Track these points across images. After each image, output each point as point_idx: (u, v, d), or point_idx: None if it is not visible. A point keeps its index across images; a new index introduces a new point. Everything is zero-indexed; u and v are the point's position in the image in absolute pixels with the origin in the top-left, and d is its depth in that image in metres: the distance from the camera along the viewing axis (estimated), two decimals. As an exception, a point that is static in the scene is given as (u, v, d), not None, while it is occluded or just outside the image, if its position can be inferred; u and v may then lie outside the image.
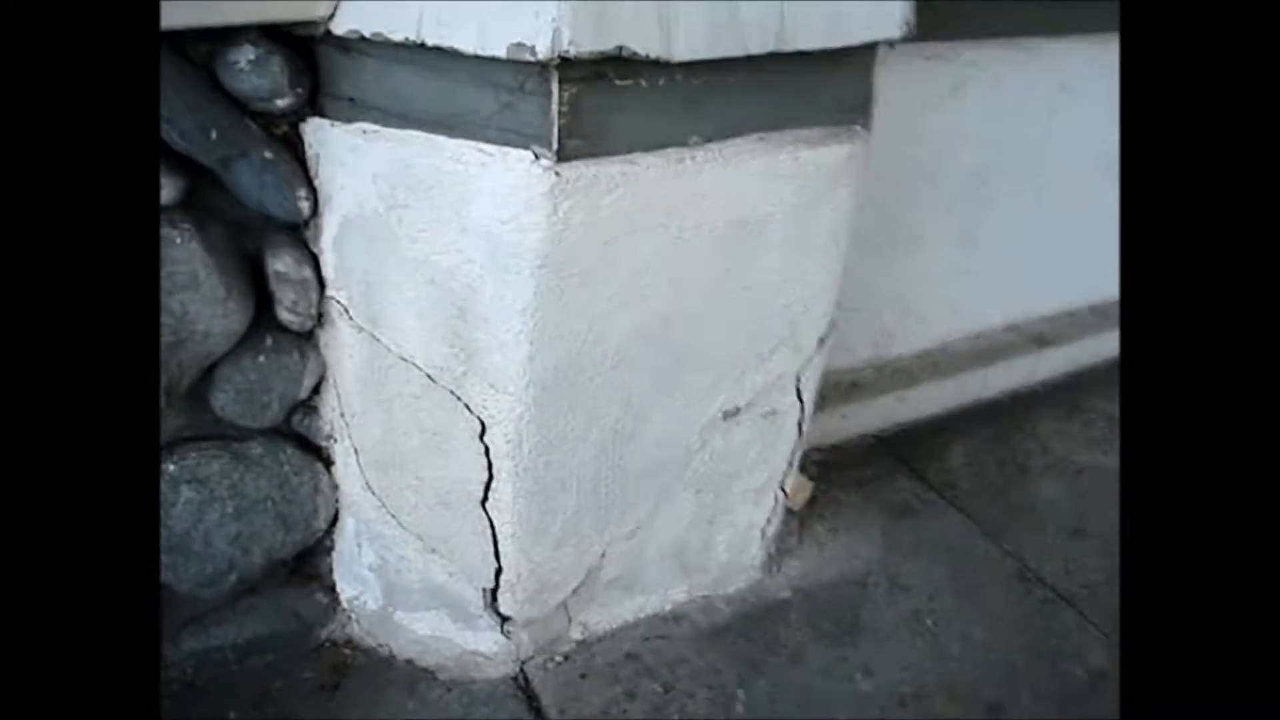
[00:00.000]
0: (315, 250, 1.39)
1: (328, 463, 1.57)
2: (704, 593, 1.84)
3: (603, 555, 1.63)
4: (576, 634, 1.72)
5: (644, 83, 1.26)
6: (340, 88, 1.30)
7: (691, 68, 1.28)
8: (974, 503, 2.15)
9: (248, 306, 1.36)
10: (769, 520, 1.83)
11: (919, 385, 2.37)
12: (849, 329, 2.21)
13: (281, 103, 1.26)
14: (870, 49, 1.41)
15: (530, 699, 1.64)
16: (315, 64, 1.30)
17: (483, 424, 1.42)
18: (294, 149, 1.33)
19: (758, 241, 1.46)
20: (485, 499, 1.49)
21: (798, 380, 1.67)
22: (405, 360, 1.41)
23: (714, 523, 1.75)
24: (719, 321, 1.50)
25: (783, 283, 1.52)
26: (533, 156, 1.24)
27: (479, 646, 1.65)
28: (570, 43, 1.14)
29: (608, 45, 1.17)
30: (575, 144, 1.25)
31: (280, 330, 1.41)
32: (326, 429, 1.53)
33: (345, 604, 1.71)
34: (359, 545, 1.64)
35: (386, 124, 1.29)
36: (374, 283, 1.38)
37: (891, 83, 1.91)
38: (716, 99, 1.33)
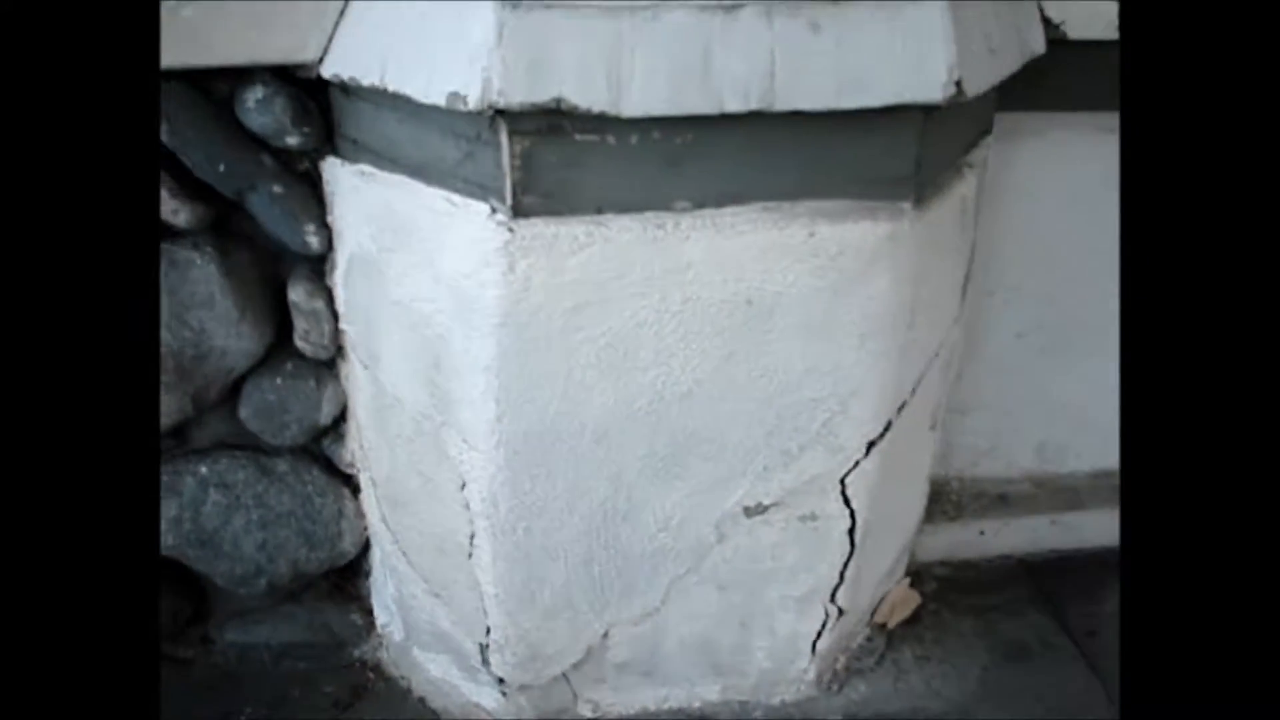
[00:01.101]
0: (329, 284, 1.44)
1: (355, 489, 1.61)
2: (741, 698, 1.67)
3: (605, 635, 1.53)
4: (586, 711, 1.62)
5: (611, 139, 1.17)
6: (346, 129, 1.34)
7: (672, 125, 1.17)
8: (1113, 661, 1.75)
9: (265, 330, 1.44)
10: (819, 634, 1.62)
11: (1086, 509, 1.99)
12: (1004, 435, 1.93)
13: (291, 141, 1.32)
14: (913, 112, 1.20)
15: (517, 768, 1.58)
16: (329, 105, 1.35)
17: (463, 478, 1.38)
18: (314, 185, 1.38)
19: (767, 325, 1.29)
20: (471, 554, 1.45)
21: (843, 486, 1.46)
22: (399, 401, 1.41)
23: (748, 626, 1.58)
24: (726, 408, 1.35)
25: (805, 374, 1.34)
26: (490, 210, 1.19)
27: (481, 700, 1.61)
28: (499, 93, 1.08)
29: (543, 97, 1.09)
30: (532, 200, 1.18)
31: (300, 357, 1.47)
32: (349, 457, 1.57)
33: (379, 629, 1.74)
34: (385, 575, 1.67)
35: (380, 166, 1.31)
36: (372, 321, 1.40)
37: (1060, 155, 1.65)
38: (704, 161, 1.20)
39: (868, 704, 1.68)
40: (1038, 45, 1.43)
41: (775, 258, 1.25)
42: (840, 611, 1.60)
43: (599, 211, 1.20)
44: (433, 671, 1.66)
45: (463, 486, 1.39)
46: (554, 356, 1.27)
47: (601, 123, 1.14)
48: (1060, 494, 2.02)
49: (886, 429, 1.44)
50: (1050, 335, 1.89)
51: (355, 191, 1.34)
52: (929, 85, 1.16)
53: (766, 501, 1.44)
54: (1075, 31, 1.54)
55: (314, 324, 1.43)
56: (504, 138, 1.15)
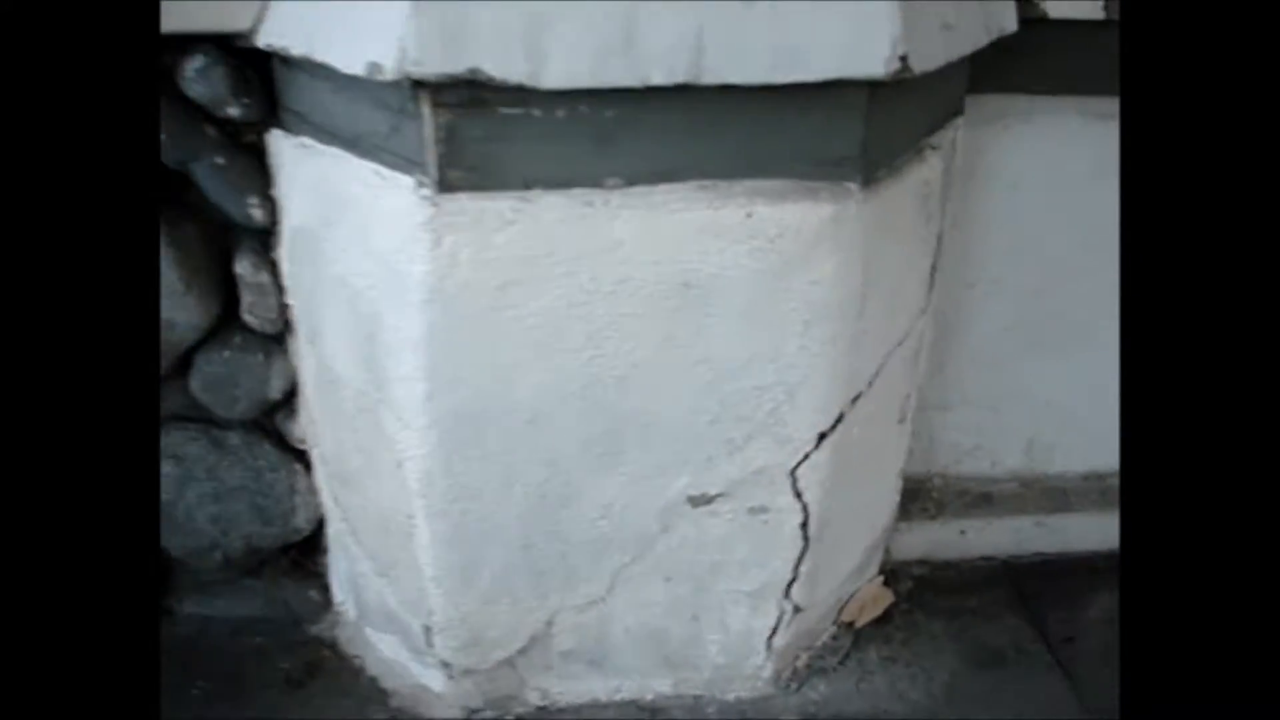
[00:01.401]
0: (275, 257, 1.42)
1: (308, 465, 1.60)
2: (695, 692, 1.63)
3: (549, 623, 1.50)
4: (534, 698, 1.60)
5: (537, 112, 1.13)
6: (288, 100, 1.32)
7: (600, 98, 1.13)
8: (1089, 669, 1.69)
9: (211, 303, 1.43)
10: (775, 630, 1.57)
11: (1074, 512, 1.92)
12: (989, 432, 1.86)
13: (232, 111, 1.30)
14: (856, 89, 1.15)
15: (461, 753, 1.56)
16: (271, 76, 1.33)
17: (399, 457, 1.36)
18: (259, 157, 1.37)
19: (705, 309, 1.25)
20: (411, 534, 1.43)
21: (794, 478, 1.41)
22: (340, 378, 1.40)
23: (699, 620, 1.54)
24: (665, 394, 1.31)
25: (748, 361, 1.30)
26: (416, 184, 1.17)
27: (429, 683, 1.59)
28: (415, 63, 1.05)
29: (458, 68, 1.06)
30: (457, 174, 1.15)
31: (248, 330, 1.46)
32: (299, 433, 1.56)
33: (336, 606, 1.74)
34: (339, 552, 1.66)
35: (319, 139, 1.29)
36: (313, 296, 1.38)
37: (1046, 141, 1.58)
38: (636, 137, 1.16)
39: (827, 704, 1.64)
40: (1007, 23, 1.36)
41: (711, 238, 1.21)
42: (796, 608, 1.56)
43: (526, 187, 1.17)
44: (384, 651, 1.64)
45: (400, 465, 1.37)
46: (483, 335, 1.24)
47: (524, 96, 1.11)
48: (1047, 495, 1.95)
49: (839, 421, 1.39)
50: (1037, 330, 1.82)
51: (296, 164, 1.32)
52: (870, 60, 1.11)
53: (712, 492, 1.40)
54: (1057, 10, 1.47)
55: (259, 297, 1.42)
56: (426, 110, 1.12)
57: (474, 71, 1.06)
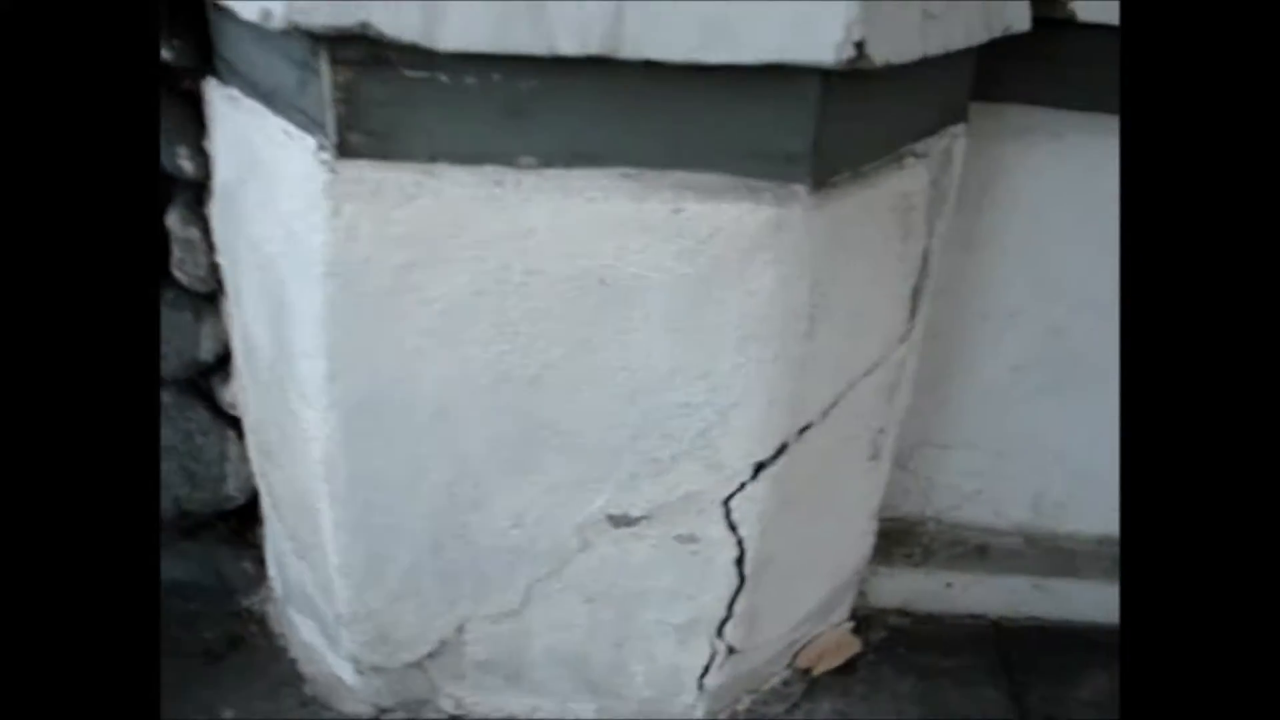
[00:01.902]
0: (207, 213, 1.35)
1: (241, 433, 1.53)
2: (620, 723, 1.51)
3: (460, 629, 1.40)
4: (448, 706, 1.50)
5: (443, 77, 1.02)
6: (221, 48, 1.24)
7: (511, 66, 1.01)
8: (1059, 763, 1.51)
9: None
10: (706, 669, 1.44)
11: (1080, 578, 1.73)
12: (994, 479, 1.69)
13: (164, 53, 1.23)
14: (806, 77, 1.01)
15: (363, 753, 1.48)
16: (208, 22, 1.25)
17: (305, 436, 1.28)
18: (195, 106, 1.29)
19: (625, 312, 1.13)
20: (319, 520, 1.35)
21: (727, 509, 1.28)
22: (257, 346, 1.32)
23: (623, 647, 1.42)
24: (582, 401, 1.19)
25: (673, 374, 1.17)
26: (317, 146, 1.07)
27: (343, 674, 1.51)
28: (302, 12, 0.96)
29: (348, 20, 0.96)
30: (358, 139, 1.06)
31: (179, 288, 1.39)
32: (230, 398, 1.49)
33: (270, 581, 1.67)
34: (269, 526, 1.59)
35: (244, 90, 1.21)
36: (235, 257, 1.31)
37: (1075, 161, 1.41)
38: (553, 112, 1.04)
39: (760, 756, 1.50)
40: (1016, 21, 1.19)
41: (633, 234, 1.08)
42: (730, 649, 1.42)
43: (432, 160, 1.07)
44: (304, 635, 1.57)
45: (307, 445, 1.28)
46: (385, 316, 1.14)
47: (429, 58, 1.00)
48: (1051, 555, 1.75)
49: (781, 451, 1.24)
50: (1053, 372, 1.63)
51: (224, 116, 1.25)
52: (818, 45, 0.97)
53: (634, 513, 1.28)
54: (1088, 13, 1.29)
55: (189, 253, 1.35)
56: (324, 65, 1.02)
57: (364, 26, 0.96)
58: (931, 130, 1.22)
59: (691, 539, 1.30)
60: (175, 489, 1.55)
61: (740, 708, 1.55)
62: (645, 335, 1.14)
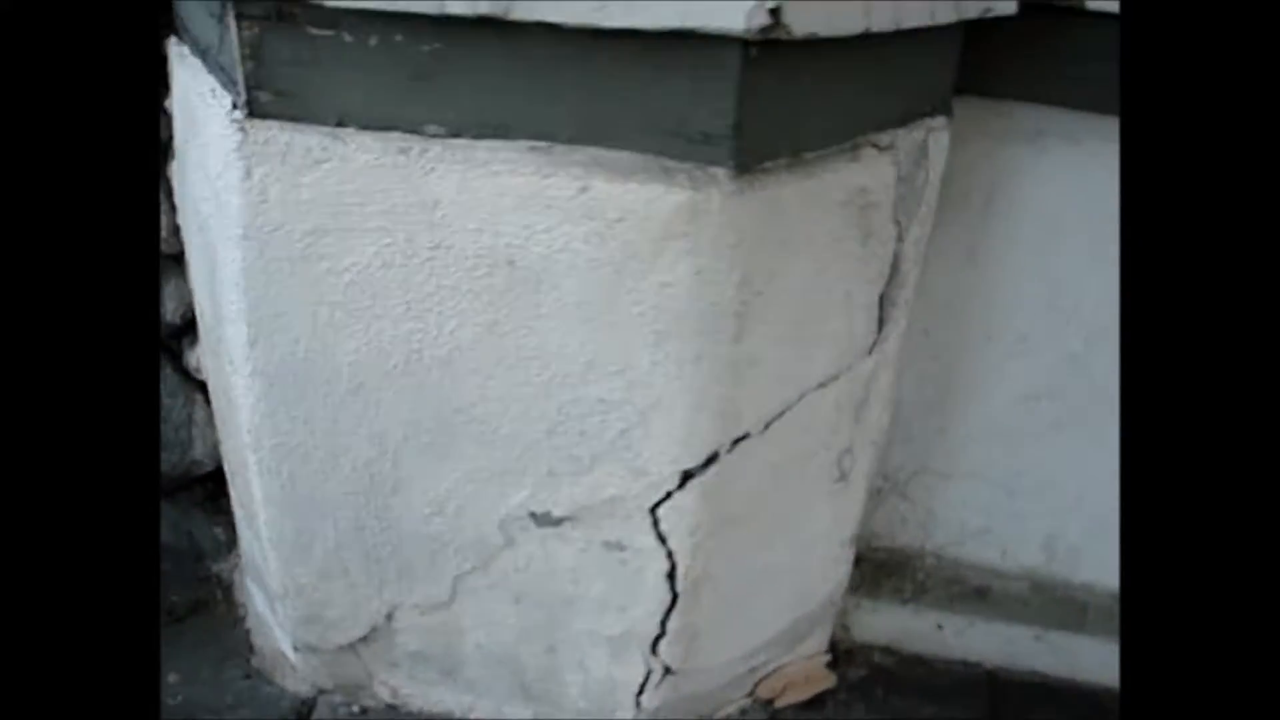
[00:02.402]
0: (169, 173, 1.35)
1: (209, 398, 1.53)
2: (556, 734, 1.44)
3: (389, 616, 1.36)
4: (385, 694, 1.47)
5: (348, 36, 0.98)
6: (176, 5, 1.23)
7: (415, 28, 0.96)
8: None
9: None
10: (642, 687, 1.35)
11: (1088, 634, 1.56)
12: (1002, 518, 1.56)
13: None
14: (724, 48, 0.92)
15: (298, 731, 1.45)
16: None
17: (236, 403, 1.26)
18: (162, 64, 1.29)
19: (535, 296, 1.06)
20: (251, 490, 1.33)
21: (655, 519, 1.19)
22: (202, 309, 1.31)
23: (556, 653, 1.35)
24: (494, 388, 1.13)
25: (588, 368, 1.09)
26: (231, 105, 1.05)
27: (287, 650, 1.49)
28: (193, -40, 0.93)
29: (241, -29, 0.93)
30: (268, 99, 1.03)
31: (144, 245, 1.40)
32: (195, 362, 1.50)
33: (239, 549, 1.67)
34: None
35: (191, 49, 1.20)
36: (185, 217, 1.30)
37: (1096, 170, 1.29)
38: (459, 78, 0.98)
39: (697, 786, 1.40)
40: (999, 3, 1.07)
41: (539, 212, 1.01)
42: (667, 669, 1.33)
43: (339, 124, 1.02)
44: (258, 605, 1.56)
45: (237, 412, 1.27)
46: (298, 284, 1.11)
47: (334, 16, 0.97)
48: (1059, 606, 1.59)
49: (711, 461, 1.15)
50: (1070, 405, 1.48)
51: (176, 74, 1.24)
52: (727, 11, 0.88)
53: (557, 513, 1.21)
54: (1100, 2, 1.15)
55: (150, 212, 1.35)
56: (232, 20, 0.99)
57: (253, -26, 0.92)
58: (897, 121, 1.10)
59: (619, 546, 1.22)
60: (146, 448, 1.56)
61: (685, 731, 1.46)
62: (557, 323, 1.07)
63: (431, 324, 1.10)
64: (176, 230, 1.38)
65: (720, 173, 0.98)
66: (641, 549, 1.22)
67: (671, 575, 1.24)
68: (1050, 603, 1.60)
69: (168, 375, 1.51)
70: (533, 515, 1.22)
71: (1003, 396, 1.50)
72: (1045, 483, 1.55)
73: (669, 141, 0.98)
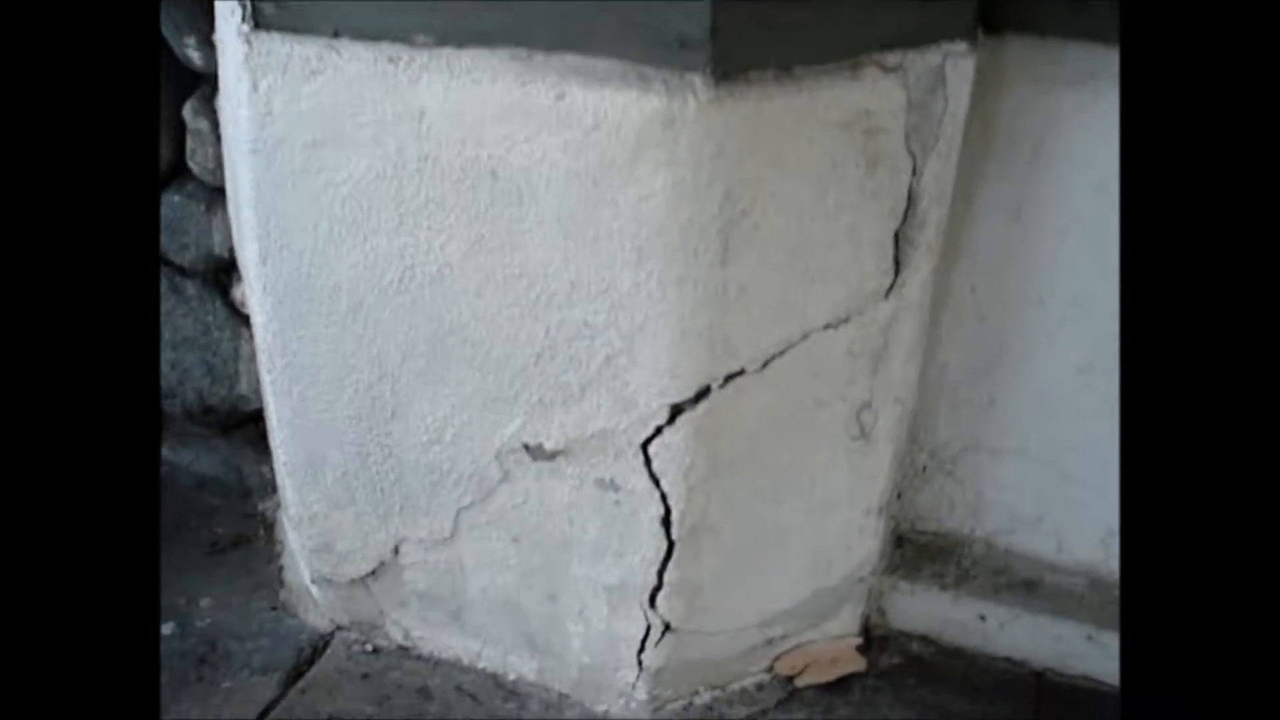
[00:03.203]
0: (216, 104, 1.41)
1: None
2: (562, 689, 1.42)
3: (396, 550, 1.36)
4: (396, 635, 1.47)
5: (341, -54, 1.00)
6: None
7: (401, -66, 0.97)
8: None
9: (167, 144, 1.45)
10: (643, 644, 1.31)
11: (1140, 639, 1.41)
12: (1057, 505, 1.46)
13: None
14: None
15: (310, 663, 1.47)
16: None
17: (255, 321, 1.30)
18: None
19: (518, 209, 1.05)
20: (270, 415, 1.37)
21: (647, 456, 1.15)
22: (240, 234, 1.36)
23: (556, 601, 1.33)
24: (484, 308, 1.12)
25: (573, 288, 1.07)
26: (240, 19, 1.08)
27: (310, 585, 1.52)
28: None
29: (231, -127, 0.96)
30: (270, 11, 1.06)
31: (194, 179, 1.47)
32: (240, 296, 1.55)
33: (285, 490, 1.72)
34: (277, 431, 1.64)
35: (221, -26, 1.24)
36: (225, 145, 1.35)
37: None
38: (442, -15, 0.98)
39: (699, 756, 1.34)
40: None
41: (519, 121, 1.00)
42: (667, 625, 1.28)
43: (335, 35, 1.04)
44: (292, 542, 1.60)
45: (256, 334, 1.30)
46: (301, 198, 1.13)
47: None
48: (1114, 606, 1.45)
49: (703, 395, 1.10)
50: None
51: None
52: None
53: (550, 445, 1.18)
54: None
55: (200, 145, 1.42)
56: (238, -69, 1.03)
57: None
58: (908, 41, 1.04)
59: (612, 485, 1.19)
60: (197, 381, 1.63)
61: (698, 701, 1.40)
62: (540, 238, 1.05)
63: (422, 239, 1.10)
64: (221, 162, 1.43)
65: (697, 80, 0.94)
66: (635, 490, 1.18)
67: (667, 521, 1.20)
68: (1107, 602, 1.46)
69: (217, 307, 1.57)
70: (526, 447, 1.20)
71: (1055, 367, 1.38)
72: (1103, 467, 1.42)
73: (646, 47, 0.95)
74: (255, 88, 1.08)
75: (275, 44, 1.06)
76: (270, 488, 1.72)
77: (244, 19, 1.07)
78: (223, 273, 1.56)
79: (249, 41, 1.07)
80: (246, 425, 1.73)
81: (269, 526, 1.71)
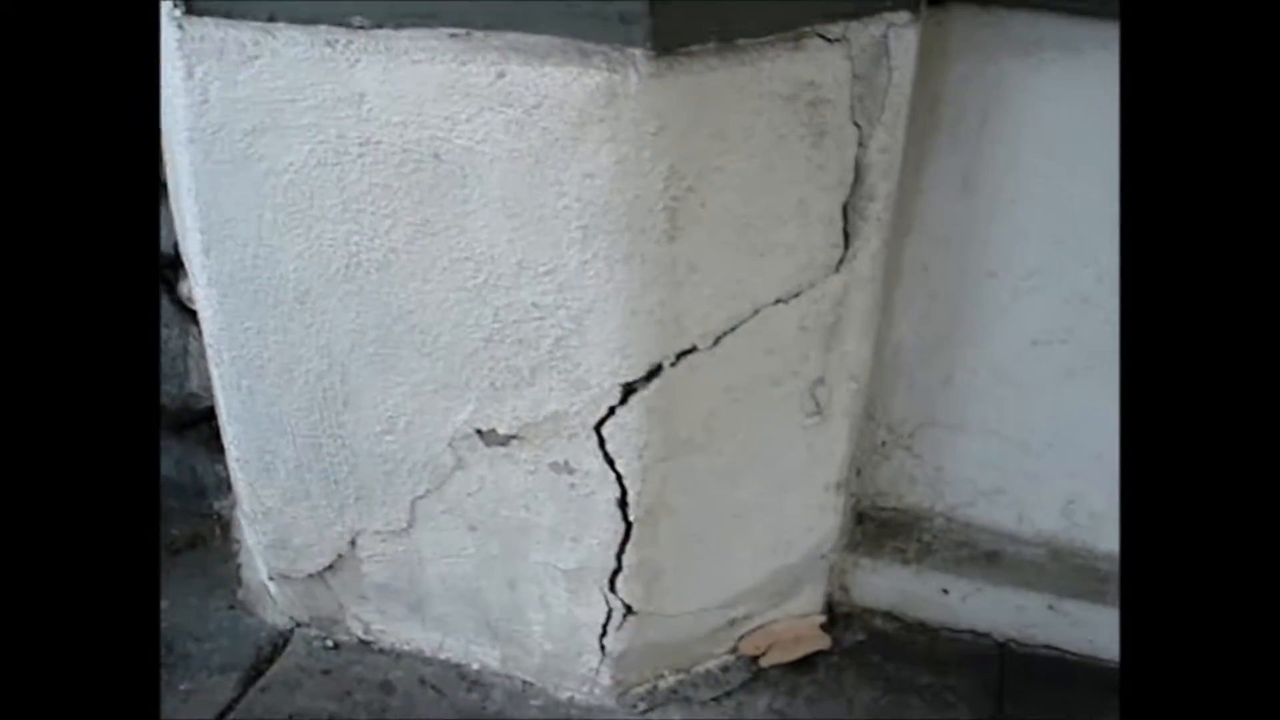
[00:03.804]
0: (155, 99, 1.38)
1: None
2: (525, 676, 1.40)
3: (353, 543, 1.35)
4: (357, 629, 1.46)
5: (272, -74, 0.98)
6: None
7: (332, -88, 0.95)
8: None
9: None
10: (604, 630, 1.30)
11: (1107, 605, 1.43)
12: (1016, 477, 1.47)
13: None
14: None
15: (269, 661, 1.45)
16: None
17: (201, 314, 1.28)
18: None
19: (462, 191, 1.03)
20: (219, 407, 1.34)
21: (600, 438, 1.15)
22: (179, 227, 1.33)
23: (516, 589, 1.32)
24: (431, 294, 1.11)
25: (520, 270, 1.06)
26: (172, 3, 1.06)
27: (268, 582, 1.50)
28: None
29: None
30: (202, -6, 1.03)
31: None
32: (188, 292, 1.52)
33: (240, 488, 1.69)
34: (231, 429, 1.61)
35: (160, -34, 1.22)
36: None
37: (1107, 85, 1.19)
38: (377, -35, 0.97)
39: (667, 739, 1.34)
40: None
41: (459, 101, 0.99)
42: (628, 608, 1.27)
43: (271, 19, 1.02)
44: (249, 540, 1.57)
45: (202, 326, 1.28)
46: (242, 187, 1.11)
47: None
48: (1076, 574, 1.47)
49: (654, 374, 1.10)
50: (1081, 349, 1.37)
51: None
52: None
53: (503, 430, 1.17)
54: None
55: (139, 138, 1.38)
56: (166, -87, 1.00)
57: None
58: (850, 13, 1.04)
59: (567, 468, 1.18)
60: (149, 381, 1.60)
61: (663, 685, 1.40)
62: (485, 220, 1.04)
63: (367, 225, 1.08)
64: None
65: (638, 54, 0.93)
66: (590, 472, 1.17)
67: (623, 503, 1.19)
68: (1068, 571, 1.48)
69: (162, 306, 1.54)
70: (479, 433, 1.19)
71: (1010, 340, 1.39)
72: (1061, 438, 1.43)
73: (586, 23, 0.94)
74: (190, 74, 1.06)
75: (209, 29, 1.04)
76: (225, 487, 1.70)
77: (175, 3, 1.05)
78: (168, 268, 1.53)
79: (181, 26, 1.04)
80: (199, 424, 1.70)
81: (225, 526, 1.69)
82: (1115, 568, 1.46)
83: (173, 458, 1.72)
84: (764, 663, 1.43)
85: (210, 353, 1.27)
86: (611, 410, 1.12)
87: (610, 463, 1.16)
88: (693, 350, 1.11)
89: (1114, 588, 1.45)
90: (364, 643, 1.46)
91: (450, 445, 1.21)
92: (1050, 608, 1.44)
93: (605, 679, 1.35)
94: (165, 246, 1.48)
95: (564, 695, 1.39)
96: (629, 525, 1.20)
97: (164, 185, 1.42)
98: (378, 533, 1.32)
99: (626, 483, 1.17)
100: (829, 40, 1.03)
